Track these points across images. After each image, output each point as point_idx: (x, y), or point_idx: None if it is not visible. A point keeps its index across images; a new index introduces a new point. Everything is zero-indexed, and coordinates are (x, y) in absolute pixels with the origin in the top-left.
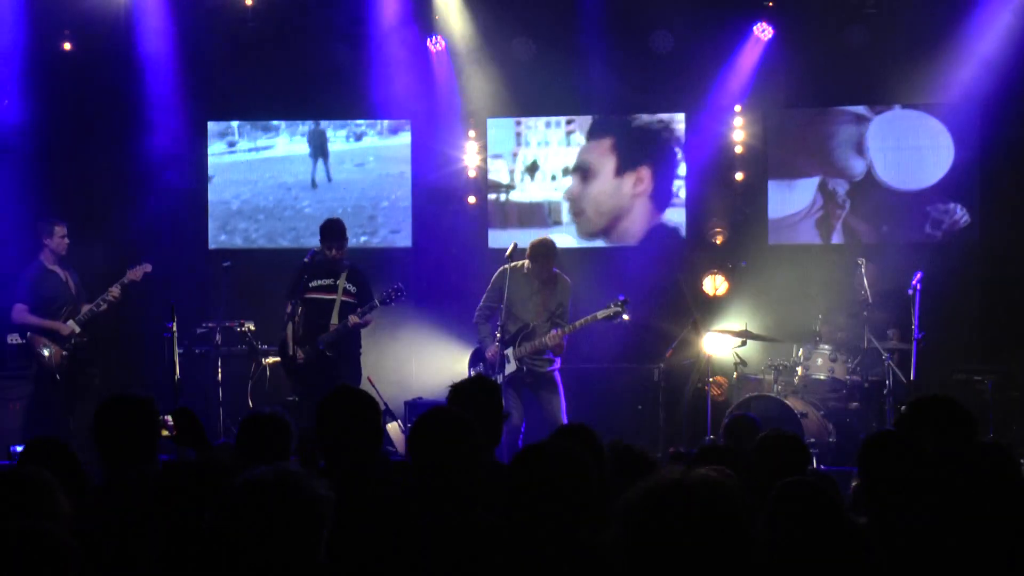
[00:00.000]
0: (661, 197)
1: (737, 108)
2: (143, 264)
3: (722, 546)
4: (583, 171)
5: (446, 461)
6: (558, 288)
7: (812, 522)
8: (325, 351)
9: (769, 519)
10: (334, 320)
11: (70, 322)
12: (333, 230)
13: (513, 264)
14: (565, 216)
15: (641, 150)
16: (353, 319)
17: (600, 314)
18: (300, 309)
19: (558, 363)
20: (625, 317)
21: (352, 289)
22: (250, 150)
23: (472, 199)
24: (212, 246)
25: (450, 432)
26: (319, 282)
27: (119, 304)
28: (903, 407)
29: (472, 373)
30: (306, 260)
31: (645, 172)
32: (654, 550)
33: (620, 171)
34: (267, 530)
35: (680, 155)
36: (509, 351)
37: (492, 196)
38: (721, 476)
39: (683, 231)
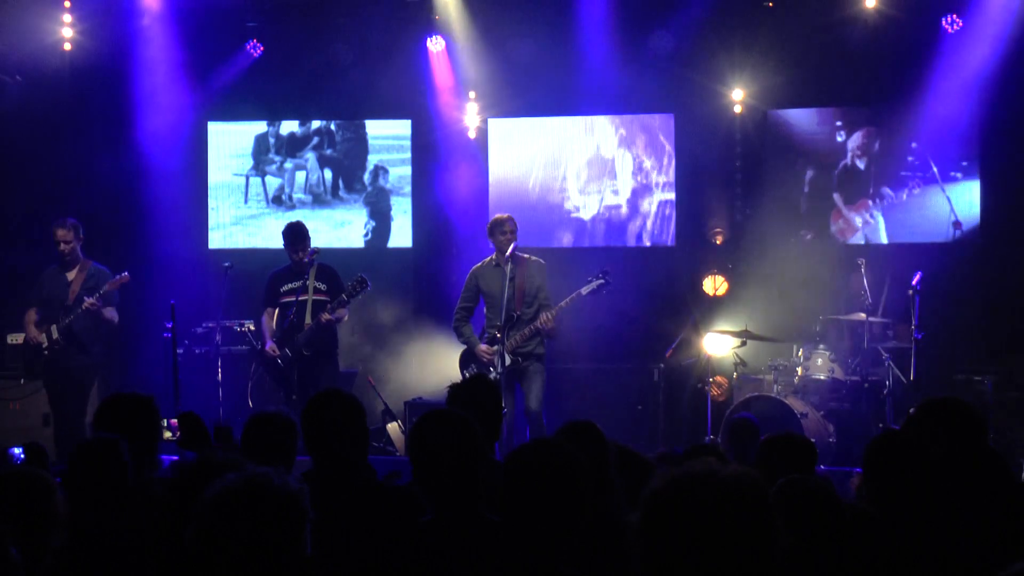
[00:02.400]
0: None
1: (737, 109)
2: (122, 274)
3: (750, 539)
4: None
5: (447, 462)
6: (531, 271)
7: (812, 520)
8: (303, 350)
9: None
10: (308, 319)
11: (53, 328)
12: (294, 233)
13: (480, 263)
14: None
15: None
16: (324, 316)
17: (584, 290)
18: (276, 313)
19: (543, 347)
20: (600, 282)
21: (322, 287)
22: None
23: (469, 198)
24: (212, 246)
25: (450, 433)
26: (289, 285)
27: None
28: (913, 408)
29: (465, 374)
30: (305, 261)
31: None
32: (679, 541)
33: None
34: (249, 536)
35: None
36: (505, 345)
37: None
38: (748, 471)
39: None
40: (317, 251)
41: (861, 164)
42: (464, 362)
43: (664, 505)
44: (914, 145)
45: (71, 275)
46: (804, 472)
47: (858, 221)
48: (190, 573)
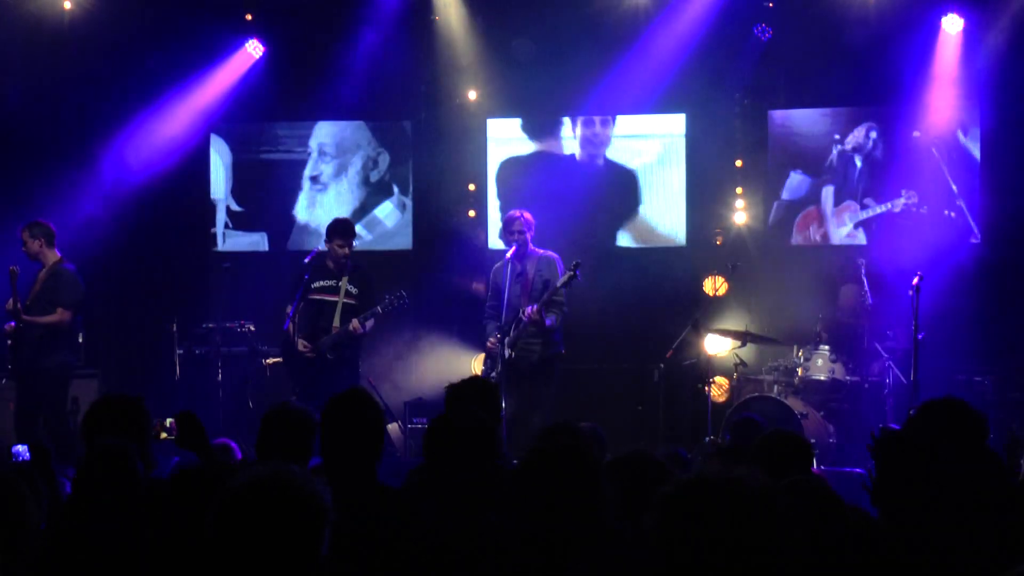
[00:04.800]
0: None
1: (738, 109)
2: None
3: (762, 544)
4: None
5: (463, 467)
6: (540, 266)
7: (815, 520)
8: (326, 354)
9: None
10: (336, 322)
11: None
12: (340, 228)
13: (500, 261)
14: None
15: None
16: (355, 325)
17: (559, 283)
18: (302, 308)
19: (557, 349)
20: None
21: (354, 291)
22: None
23: (472, 213)
24: (216, 248)
25: (468, 439)
26: (322, 283)
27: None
28: (913, 409)
29: (484, 370)
30: (306, 260)
31: None
32: (693, 543)
33: None
34: (268, 530)
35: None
36: (506, 340)
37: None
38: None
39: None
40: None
41: (858, 160)
42: (485, 359)
43: (679, 510)
44: (917, 133)
45: (40, 275)
46: (800, 470)
47: (839, 230)
48: (204, 565)
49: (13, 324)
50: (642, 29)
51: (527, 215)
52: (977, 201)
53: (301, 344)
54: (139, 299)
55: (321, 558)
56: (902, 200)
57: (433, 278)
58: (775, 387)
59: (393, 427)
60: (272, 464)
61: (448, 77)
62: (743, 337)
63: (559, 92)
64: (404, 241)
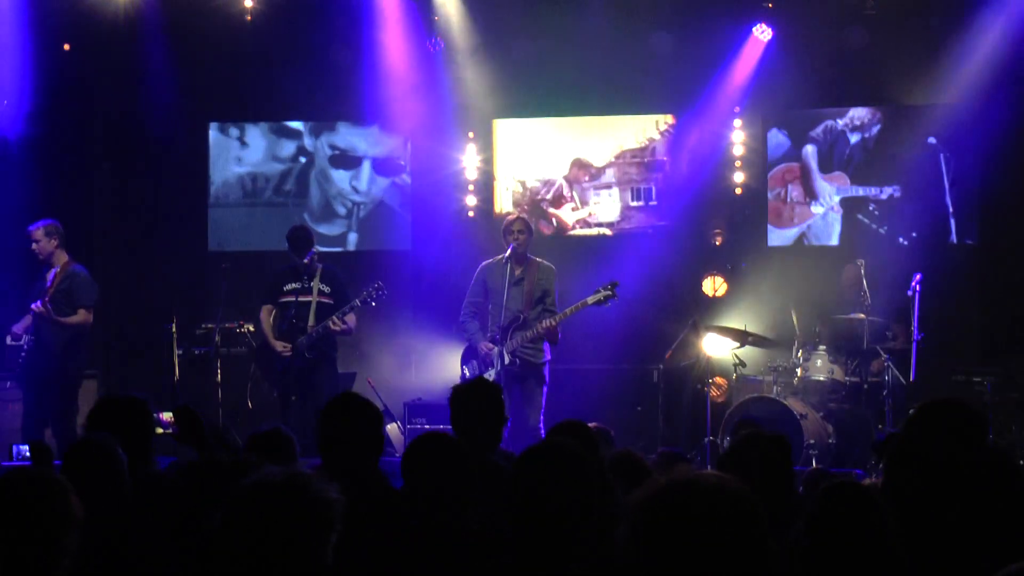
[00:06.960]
0: None
1: (736, 109)
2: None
3: (736, 548)
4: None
5: (439, 488)
6: (540, 274)
7: (857, 523)
8: (304, 353)
9: (811, 519)
10: (311, 322)
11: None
12: (296, 237)
13: (490, 260)
14: None
15: None
16: (334, 321)
17: (590, 299)
18: (276, 312)
19: (549, 356)
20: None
21: (327, 290)
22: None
23: (472, 201)
24: (211, 247)
25: (444, 459)
26: (293, 285)
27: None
28: (912, 410)
29: (465, 371)
30: (305, 260)
31: None
32: (666, 551)
33: None
34: (276, 531)
35: None
36: (506, 344)
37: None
38: (734, 480)
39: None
40: (317, 253)
41: (852, 137)
42: (466, 358)
43: (650, 517)
44: (931, 140)
45: (50, 276)
46: (779, 466)
47: (826, 189)
48: (210, 563)
49: (31, 322)
50: (642, 30)
51: (529, 219)
52: (975, 203)
53: (280, 345)
54: (138, 299)
55: (326, 567)
56: (888, 191)
57: (432, 279)
58: (774, 388)
59: (392, 427)
60: (284, 467)
61: (447, 79)
62: (742, 337)
63: (557, 93)
64: (403, 242)
